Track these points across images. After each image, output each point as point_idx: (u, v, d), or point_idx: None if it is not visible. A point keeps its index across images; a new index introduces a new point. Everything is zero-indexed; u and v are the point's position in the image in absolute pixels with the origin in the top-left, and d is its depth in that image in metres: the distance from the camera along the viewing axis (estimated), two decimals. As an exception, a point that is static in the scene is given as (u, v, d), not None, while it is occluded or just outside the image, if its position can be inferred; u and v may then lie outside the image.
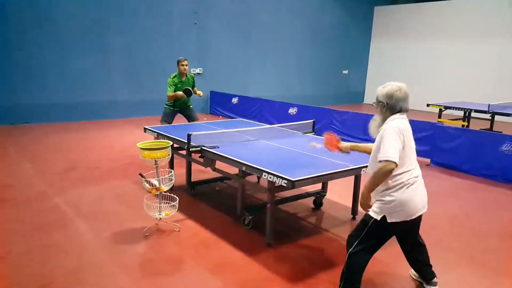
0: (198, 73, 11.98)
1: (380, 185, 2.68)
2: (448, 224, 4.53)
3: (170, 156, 4.03)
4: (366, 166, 3.71)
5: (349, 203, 4.69)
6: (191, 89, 6.68)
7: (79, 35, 9.88)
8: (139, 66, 10.88)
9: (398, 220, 2.69)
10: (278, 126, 5.66)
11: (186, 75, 6.76)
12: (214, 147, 4.28)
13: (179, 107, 6.79)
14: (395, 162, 2.53)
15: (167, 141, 4.26)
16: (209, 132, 4.88)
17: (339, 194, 5.22)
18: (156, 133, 5.17)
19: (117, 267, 3.37)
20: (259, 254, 3.64)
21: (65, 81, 9.88)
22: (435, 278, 3.11)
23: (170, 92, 6.56)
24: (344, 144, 3.37)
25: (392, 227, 2.73)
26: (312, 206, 4.90)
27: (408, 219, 2.71)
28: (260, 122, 7.11)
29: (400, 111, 2.75)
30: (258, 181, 5.20)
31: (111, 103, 10.62)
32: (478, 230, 4.37)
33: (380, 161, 2.58)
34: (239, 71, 13.01)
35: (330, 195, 5.08)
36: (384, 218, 2.70)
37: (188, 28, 11.59)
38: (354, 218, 4.58)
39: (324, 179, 3.70)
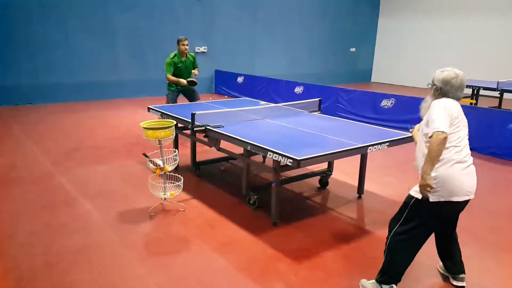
0: (203, 52, 11.85)
1: (425, 161, 2.53)
2: (455, 203, 4.48)
3: (174, 135, 4.00)
4: (372, 145, 3.68)
5: (355, 182, 4.66)
6: (195, 80, 6.53)
7: (83, 14, 9.76)
8: (143, 45, 10.77)
9: (440, 200, 2.55)
10: (284, 105, 5.60)
11: (186, 55, 6.59)
12: (218, 127, 4.24)
13: (181, 88, 6.66)
14: (444, 132, 2.42)
15: (171, 120, 4.22)
16: (213, 111, 4.83)
17: (345, 173, 5.18)
18: (160, 113, 5.13)
19: (123, 246, 3.38)
20: (265, 233, 3.64)
21: (70, 61, 9.81)
22: (463, 274, 2.95)
23: (169, 73, 6.41)
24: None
25: (434, 209, 2.59)
26: (318, 185, 4.88)
27: (452, 200, 2.55)
28: (265, 101, 7.03)
29: (452, 97, 2.67)
30: (264, 161, 5.17)
31: (115, 83, 10.56)
32: (486, 209, 4.33)
33: (431, 136, 2.48)
34: (244, 50, 12.84)
35: (336, 174, 5.05)
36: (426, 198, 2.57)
37: (192, 5, 11.40)
38: (360, 197, 4.55)
39: (330, 158, 3.66)
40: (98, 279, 2.93)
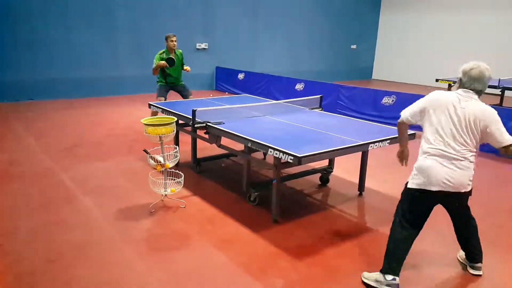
0: (204, 48, 11.83)
1: None
2: (456, 200, 4.48)
3: (174, 132, 3.99)
4: (373, 142, 3.67)
5: (356, 180, 4.65)
6: (174, 58, 6.41)
7: (83, 9, 9.74)
8: (144, 41, 10.73)
9: (415, 187, 2.71)
10: (285, 102, 5.58)
11: (174, 51, 6.55)
12: (219, 123, 4.23)
13: (171, 83, 6.63)
14: (402, 118, 2.89)
15: (172, 117, 4.22)
16: (214, 108, 4.82)
17: (346, 170, 5.18)
18: (160, 109, 5.12)
19: (123, 242, 3.38)
20: (265, 230, 3.64)
21: (70, 57, 9.80)
22: (480, 263, 3.02)
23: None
24: None
25: (415, 196, 2.74)
26: (319, 182, 4.88)
27: (426, 189, 2.66)
28: (266, 98, 7.03)
29: (469, 89, 2.67)
30: (264, 158, 5.16)
31: (116, 80, 10.55)
32: (487, 206, 4.33)
33: None
34: (245, 46, 12.81)
35: (337, 172, 5.04)
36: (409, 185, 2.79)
37: (193, 1, 11.36)
38: (361, 194, 4.55)
39: (331, 155, 3.65)
40: (98, 275, 2.93)
